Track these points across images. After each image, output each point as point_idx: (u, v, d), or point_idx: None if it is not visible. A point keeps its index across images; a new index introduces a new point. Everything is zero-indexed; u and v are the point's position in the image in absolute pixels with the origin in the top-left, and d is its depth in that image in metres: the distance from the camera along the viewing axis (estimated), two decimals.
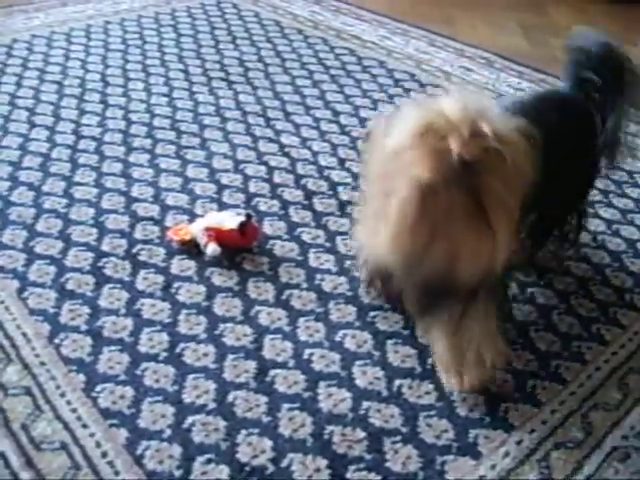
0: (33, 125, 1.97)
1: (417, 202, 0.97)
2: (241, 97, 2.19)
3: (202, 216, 1.60)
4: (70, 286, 1.42)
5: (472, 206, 0.97)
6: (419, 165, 0.97)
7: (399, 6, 3.11)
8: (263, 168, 1.83)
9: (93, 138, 1.93)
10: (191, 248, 1.52)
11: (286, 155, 1.89)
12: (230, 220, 1.53)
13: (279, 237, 1.59)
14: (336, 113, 2.13)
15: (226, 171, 1.81)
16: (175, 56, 2.45)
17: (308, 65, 2.44)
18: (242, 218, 1.52)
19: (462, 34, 2.82)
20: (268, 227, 1.62)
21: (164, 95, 2.18)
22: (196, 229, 1.53)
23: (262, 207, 1.68)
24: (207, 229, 1.52)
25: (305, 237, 1.59)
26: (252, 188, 1.75)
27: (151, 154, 1.87)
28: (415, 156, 0.98)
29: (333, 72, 2.40)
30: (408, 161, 0.98)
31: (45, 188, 1.71)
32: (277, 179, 1.79)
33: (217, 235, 1.51)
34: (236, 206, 1.68)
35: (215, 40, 2.60)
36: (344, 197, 1.73)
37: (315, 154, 1.91)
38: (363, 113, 2.14)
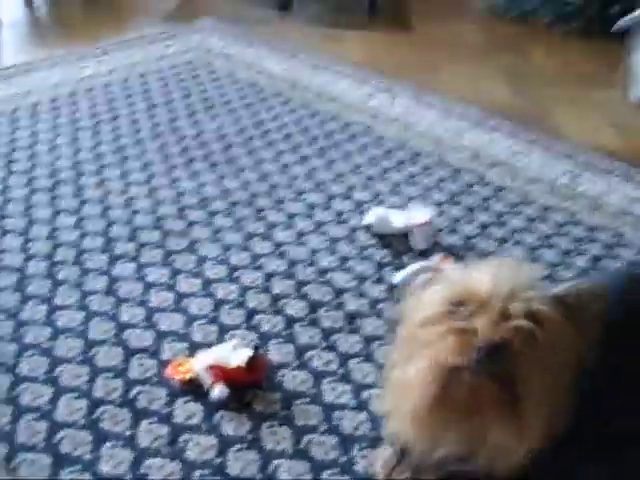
0: (3, 232, 1.81)
1: (438, 384, 0.87)
2: (226, 182, 2.06)
3: (202, 344, 1.47)
4: (65, 448, 1.27)
5: (498, 392, 0.86)
6: (443, 345, 0.87)
7: (378, 53, 2.99)
8: (260, 275, 1.70)
9: (71, 245, 1.78)
10: (194, 387, 1.38)
11: (282, 256, 1.76)
12: (236, 355, 1.40)
13: (288, 365, 1.46)
14: (329, 197, 2.01)
15: (220, 281, 1.68)
16: (150, 131, 2.30)
17: (293, 136, 2.32)
18: (249, 352, 1.39)
19: (445, 85, 2.71)
20: (275, 353, 1.49)
21: (143, 183, 2.04)
22: (199, 367, 1.39)
23: (265, 326, 1.56)
24: (212, 367, 1.38)
25: (316, 362, 1.47)
26: (251, 302, 1.62)
27: (136, 263, 1.73)
28: (440, 334, 0.88)
29: (320, 143, 2.28)
30: (433, 338, 0.89)
31: (24, 316, 1.56)
32: (276, 289, 1.66)
33: (223, 374, 1.38)
34: (236, 327, 1.55)
35: (191, 109, 2.45)
36: (351, 307, 1.61)
37: (313, 252, 1.78)
38: (357, 194, 2.02)
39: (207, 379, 1.38)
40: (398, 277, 1.64)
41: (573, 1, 3.15)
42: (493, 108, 2.53)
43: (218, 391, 1.36)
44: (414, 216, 1.80)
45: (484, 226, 1.91)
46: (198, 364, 1.40)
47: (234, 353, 1.41)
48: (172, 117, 2.40)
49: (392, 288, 1.65)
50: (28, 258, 1.73)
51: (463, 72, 2.84)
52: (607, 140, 2.40)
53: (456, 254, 1.76)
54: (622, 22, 2.66)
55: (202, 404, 1.37)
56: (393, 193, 2.04)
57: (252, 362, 1.39)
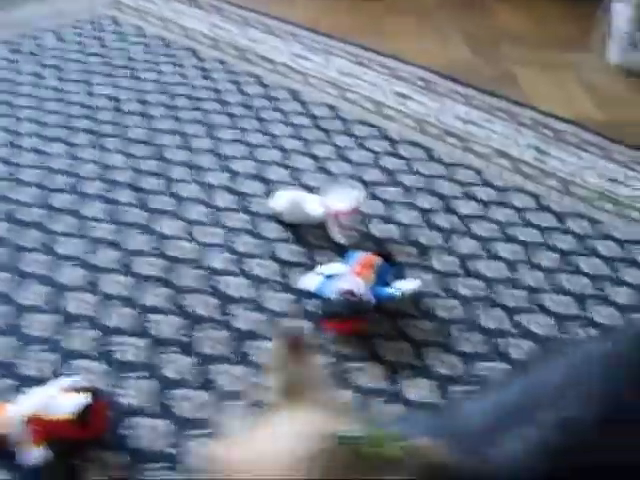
0: None
1: None
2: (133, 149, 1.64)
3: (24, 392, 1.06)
4: None
5: None
6: None
7: (317, 14, 2.57)
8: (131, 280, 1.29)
9: None
10: (4, 448, 0.98)
11: (162, 256, 1.35)
12: (64, 402, 0.99)
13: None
14: (232, 175, 1.60)
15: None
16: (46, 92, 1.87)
17: (202, 102, 1.89)
18: (82, 399, 0.99)
19: (394, 47, 2.29)
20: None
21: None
22: (14, 419, 0.98)
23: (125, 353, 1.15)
24: (30, 420, 0.98)
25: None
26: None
27: None
28: None
29: (234, 109, 1.86)
30: None
31: None
32: (148, 301, 1.25)
33: (45, 429, 0.97)
34: (85, 355, 1.14)
35: (88, 68, 2.02)
36: (241, 325, 1.21)
37: (204, 248, 1.37)
38: (271, 172, 1.61)
39: (21, 437, 0.97)
40: (307, 282, 1.24)
41: None
42: (447, 71, 2.13)
43: (36, 455, 0.96)
44: (336, 201, 1.39)
45: (427, 212, 1.52)
46: (13, 414, 0.99)
47: (62, 399, 1.00)
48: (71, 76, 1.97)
49: (298, 296, 1.25)
50: None
51: (413, 31, 2.43)
52: (582, 109, 2.02)
53: (389, 250, 1.37)
54: None
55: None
56: (315, 171, 1.63)
57: (86, 412, 0.98)
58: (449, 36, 2.41)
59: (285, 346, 0.68)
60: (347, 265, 1.23)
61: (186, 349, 1.15)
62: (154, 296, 1.25)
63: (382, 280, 1.21)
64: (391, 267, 1.27)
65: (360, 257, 1.25)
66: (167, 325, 1.19)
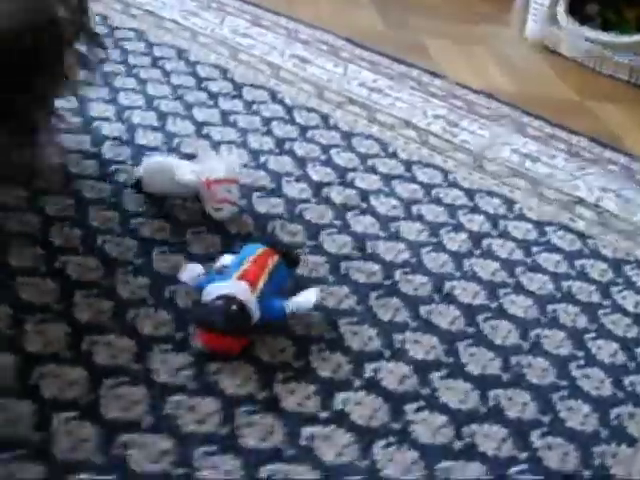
0: None
1: None
2: None
3: None
4: None
5: None
6: None
7: None
8: None
9: None
10: None
11: None
12: None
13: None
14: (100, 139, 1.36)
15: None
16: None
17: None
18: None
19: (298, 12, 2.09)
20: None
21: None
22: None
23: None
24: None
25: None
26: None
27: None
28: None
29: (106, 68, 1.61)
30: None
31: None
32: None
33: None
34: None
35: None
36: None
37: None
38: (140, 139, 1.38)
39: None
40: (186, 274, 1.01)
41: None
42: (355, 37, 1.94)
43: None
44: (212, 168, 1.17)
45: (320, 185, 1.32)
46: None
47: None
48: None
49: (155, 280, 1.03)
50: None
51: None
52: (494, 82, 1.87)
53: (288, 246, 1.16)
54: None
55: None
56: (194, 136, 1.41)
57: None
58: (360, 3, 2.22)
59: None
60: (235, 263, 1.00)
61: None
62: None
63: (276, 285, 0.98)
64: (289, 269, 1.04)
65: (253, 253, 1.01)
66: None
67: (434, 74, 1.81)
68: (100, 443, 0.77)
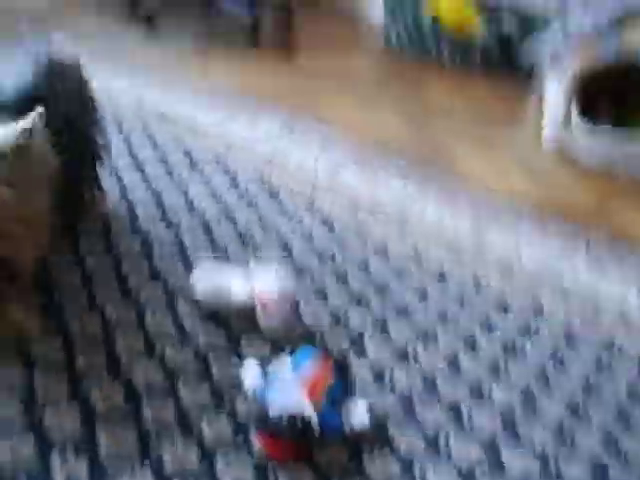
0: None
1: None
2: None
3: None
4: None
5: None
6: None
7: (252, 81, 2.47)
8: None
9: None
10: None
11: None
12: None
13: None
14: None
15: None
16: None
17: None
18: None
19: (325, 115, 2.21)
20: None
21: None
22: None
23: None
24: None
25: None
26: None
27: None
28: None
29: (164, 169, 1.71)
30: None
31: None
32: None
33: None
34: None
35: None
36: None
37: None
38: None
39: None
40: (246, 375, 1.09)
41: (474, 40, 2.72)
42: (382, 145, 2.04)
43: None
44: (263, 284, 1.25)
45: (359, 300, 1.39)
46: None
47: None
48: None
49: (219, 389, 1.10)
50: None
51: (348, 103, 2.35)
52: (516, 186, 1.96)
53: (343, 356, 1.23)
54: (530, 53, 2.27)
55: None
56: (236, 238, 1.50)
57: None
58: (383, 109, 2.34)
59: None
60: (294, 371, 1.07)
61: None
62: None
63: (332, 399, 1.05)
64: (342, 382, 1.11)
65: (311, 367, 1.08)
66: None
67: (459, 181, 1.90)
68: None
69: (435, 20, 2.72)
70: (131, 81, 2.25)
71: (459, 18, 2.67)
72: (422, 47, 2.82)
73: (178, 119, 2.03)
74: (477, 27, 2.64)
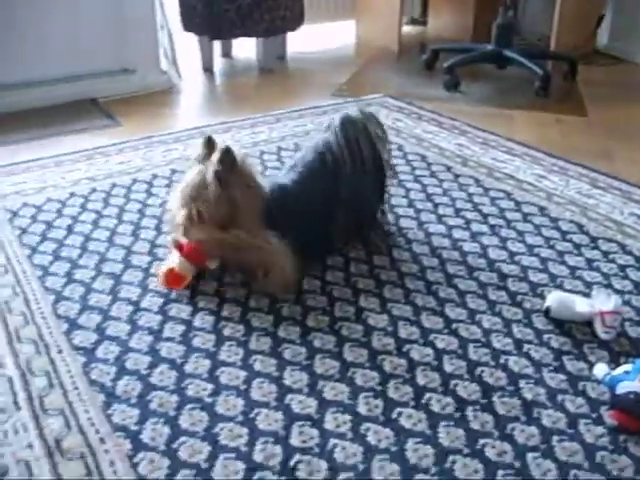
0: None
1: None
2: (395, 253, 2.00)
3: (366, 417, 1.38)
4: None
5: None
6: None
7: (550, 137, 2.90)
8: (430, 351, 1.60)
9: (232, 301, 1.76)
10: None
11: (454, 334, 1.66)
12: None
13: (459, 451, 1.34)
14: (502, 276, 1.90)
15: (388, 353, 1.59)
16: None
17: (463, 212, 2.23)
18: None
19: (624, 172, 2.56)
20: (444, 435, 1.38)
21: None
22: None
23: (434, 407, 1.45)
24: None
25: (489, 452, 1.34)
26: (420, 379, 1.52)
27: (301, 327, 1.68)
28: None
29: (492, 221, 2.18)
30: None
31: (188, 368, 1.54)
32: (447, 367, 1.56)
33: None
34: (404, 404, 1.45)
35: None
36: (528, 395, 1.48)
37: (486, 332, 1.67)
38: (532, 276, 1.90)
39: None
40: (599, 372, 1.51)
41: None
42: None
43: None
44: (600, 303, 1.65)
45: None
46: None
47: None
48: None
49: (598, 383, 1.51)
50: (195, 311, 1.73)
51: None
52: None
53: None
54: None
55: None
56: (571, 277, 1.90)
57: None
58: None
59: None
60: (635, 367, 1.45)
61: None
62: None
63: None
64: None
65: None
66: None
67: None
68: None
69: None
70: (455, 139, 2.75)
71: None
72: None
73: (501, 173, 2.49)
74: None
